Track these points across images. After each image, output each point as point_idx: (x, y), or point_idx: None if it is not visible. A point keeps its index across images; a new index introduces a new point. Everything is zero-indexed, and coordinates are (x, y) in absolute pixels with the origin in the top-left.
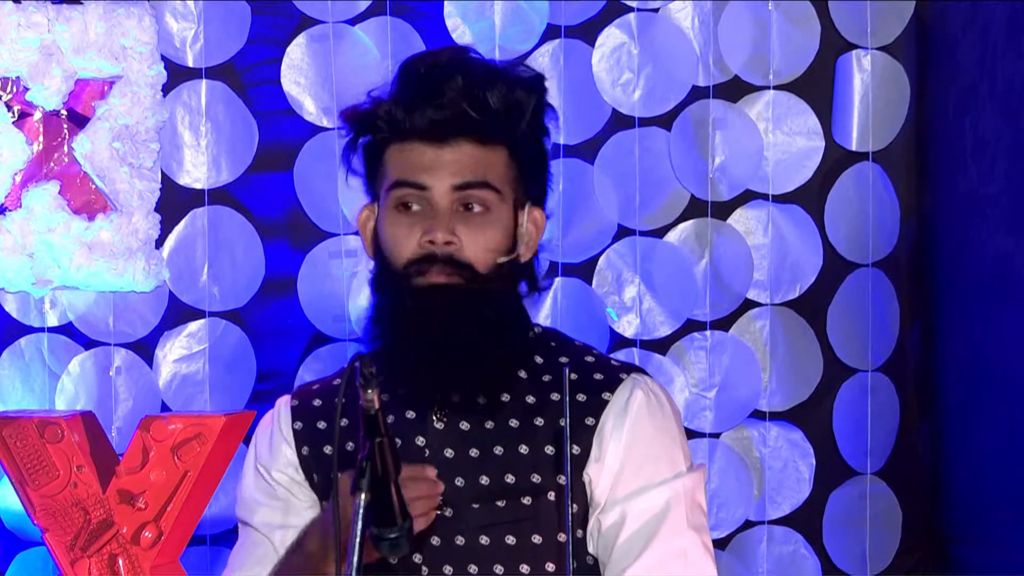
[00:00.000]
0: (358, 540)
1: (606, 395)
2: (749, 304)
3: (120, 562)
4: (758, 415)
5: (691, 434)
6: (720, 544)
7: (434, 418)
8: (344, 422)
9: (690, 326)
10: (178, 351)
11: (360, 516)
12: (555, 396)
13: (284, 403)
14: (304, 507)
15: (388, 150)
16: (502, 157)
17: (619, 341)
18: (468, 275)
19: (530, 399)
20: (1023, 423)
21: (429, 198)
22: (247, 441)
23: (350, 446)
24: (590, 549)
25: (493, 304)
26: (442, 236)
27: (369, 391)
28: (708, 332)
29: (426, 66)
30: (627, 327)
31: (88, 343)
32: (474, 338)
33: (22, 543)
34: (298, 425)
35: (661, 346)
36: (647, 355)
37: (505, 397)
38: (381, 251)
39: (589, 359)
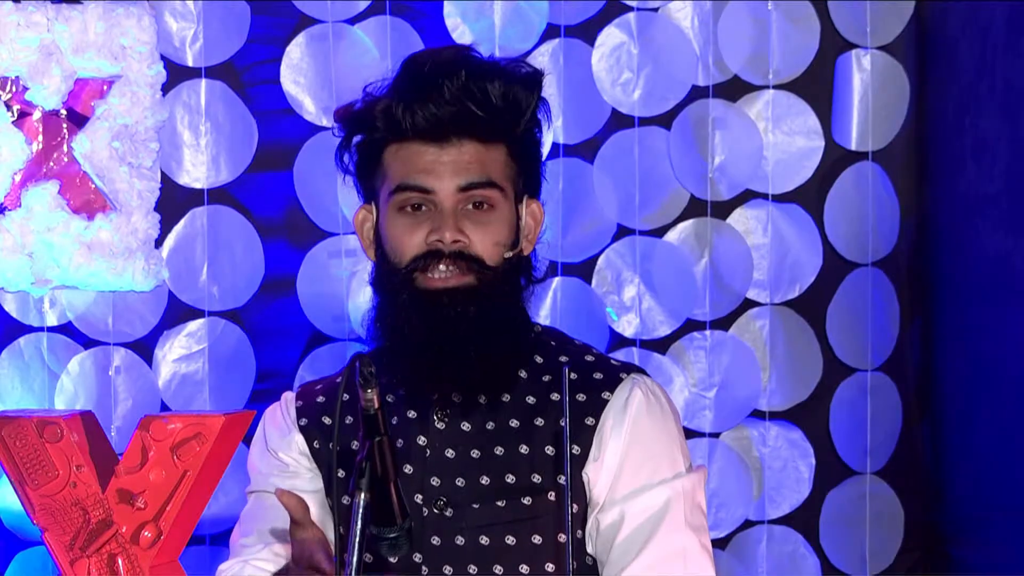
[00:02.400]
0: (358, 540)
1: (606, 395)
2: (749, 304)
3: (119, 562)
4: (758, 415)
5: (690, 434)
6: (720, 544)
7: (435, 418)
8: (349, 420)
9: (690, 326)
10: (177, 351)
11: (360, 516)
12: (555, 396)
13: (289, 399)
14: (314, 481)
15: (386, 150)
16: (502, 154)
17: (619, 341)
18: (477, 269)
19: (530, 399)
20: (1023, 423)
21: (434, 200)
22: (247, 441)
23: (355, 445)
24: (589, 549)
25: (500, 303)
26: (451, 235)
27: (369, 391)
28: (708, 332)
29: (428, 64)
30: (627, 327)
31: (87, 343)
32: (479, 339)
33: (21, 543)
34: (304, 422)
35: (661, 346)
36: (647, 355)
37: (506, 397)
38: (383, 251)
39: (589, 359)
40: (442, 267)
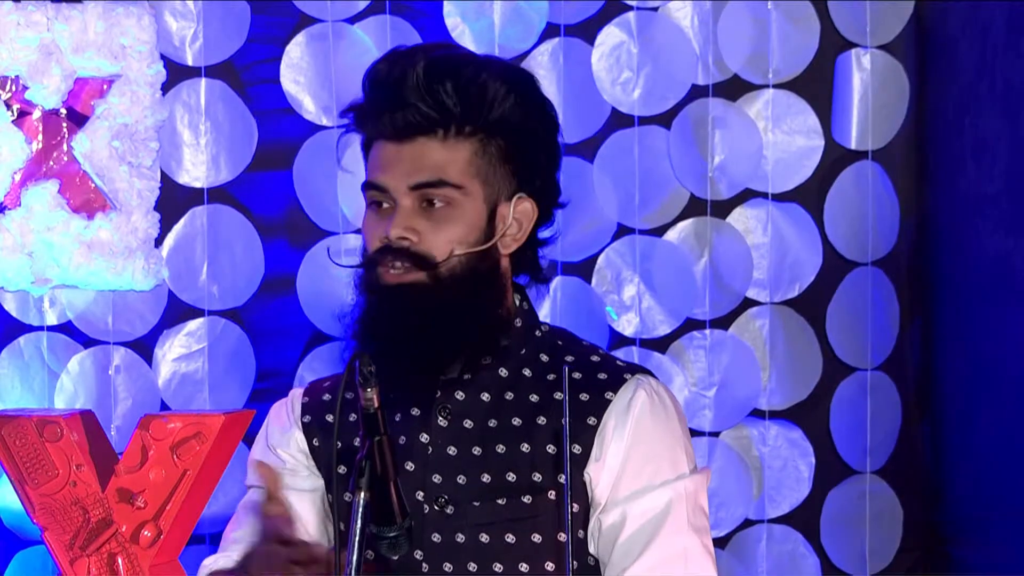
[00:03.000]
0: (357, 538)
1: (609, 395)
2: (748, 303)
3: (119, 561)
4: (757, 414)
5: (690, 433)
6: (719, 543)
7: (438, 415)
8: (352, 417)
9: (689, 325)
10: (177, 350)
11: (360, 515)
12: (558, 395)
13: (297, 395)
14: (310, 480)
15: (370, 147)
16: (467, 152)
17: (618, 340)
18: (425, 266)
19: (533, 397)
20: (1023, 423)
21: (392, 197)
22: (247, 440)
23: (357, 443)
24: (591, 549)
25: (453, 300)
26: (396, 233)
27: (368, 390)
28: (707, 331)
29: (385, 68)
30: (626, 326)
31: (87, 342)
32: (423, 333)
33: (21, 542)
34: (307, 419)
35: (660, 345)
36: (646, 354)
37: (509, 395)
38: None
39: (595, 359)
40: (397, 263)
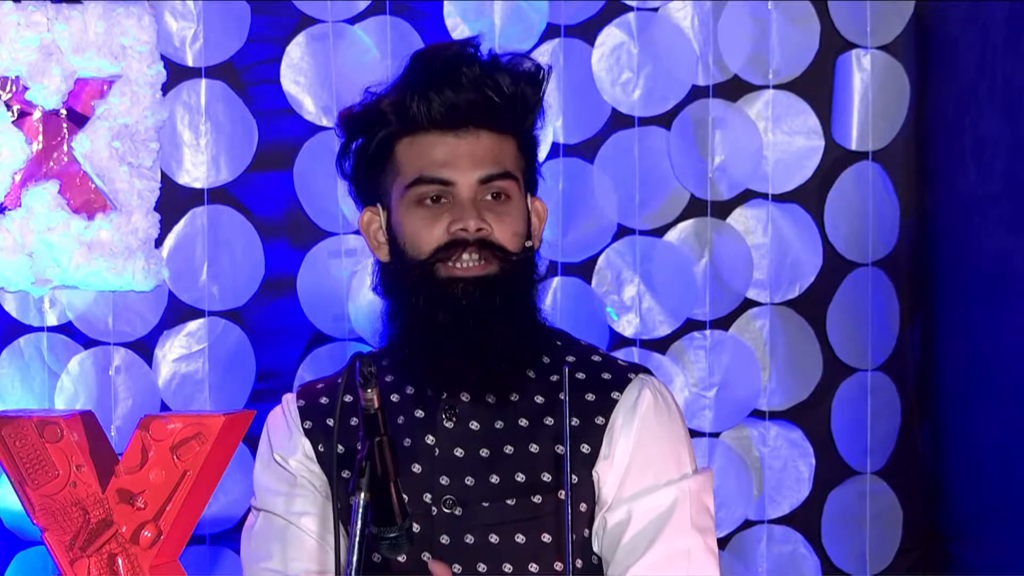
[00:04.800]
0: (358, 539)
1: (615, 394)
2: (749, 303)
3: (119, 562)
4: (758, 414)
5: (690, 433)
6: (720, 543)
7: (443, 417)
8: (353, 421)
9: (690, 325)
10: (177, 350)
11: (360, 515)
12: (563, 395)
13: (291, 400)
14: (317, 493)
15: (397, 146)
16: (513, 146)
17: (619, 340)
18: (501, 257)
19: (539, 399)
20: (1023, 423)
21: (454, 192)
22: (247, 441)
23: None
24: (595, 548)
25: (522, 294)
26: (475, 224)
27: (369, 391)
28: (708, 331)
29: (441, 53)
30: (627, 326)
31: (87, 342)
32: (504, 329)
33: (21, 543)
34: (308, 424)
35: (661, 345)
36: (647, 354)
37: (514, 397)
38: (398, 249)
39: (596, 359)
40: (466, 256)
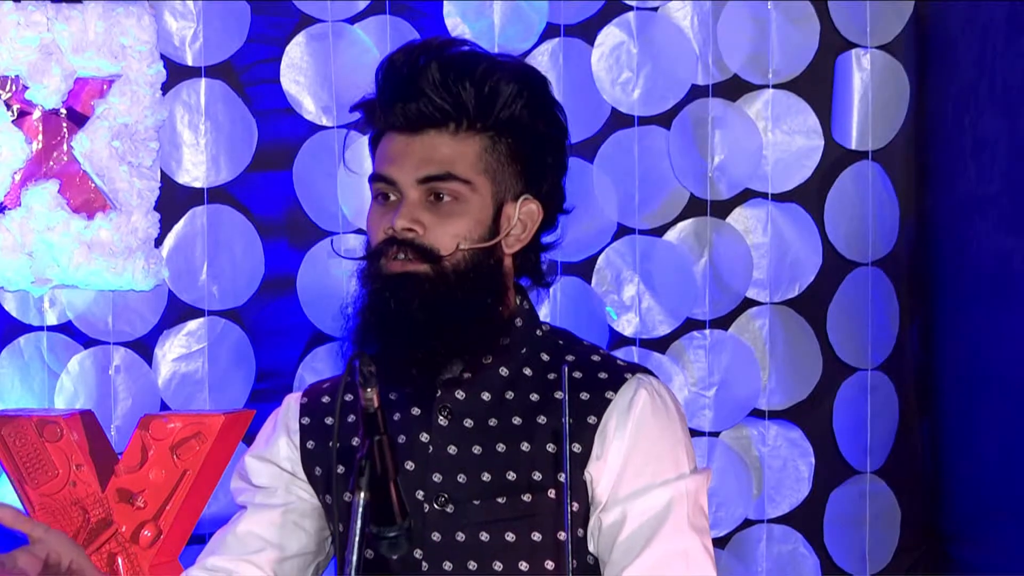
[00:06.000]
0: (357, 539)
1: (609, 394)
2: (748, 303)
3: (119, 561)
4: (757, 414)
5: (690, 433)
6: (719, 543)
7: (438, 415)
8: (351, 418)
9: (689, 325)
10: (177, 350)
11: (359, 515)
12: (559, 395)
13: (294, 399)
14: (284, 495)
15: (380, 142)
16: (477, 147)
17: (618, 340)
18: (430, 259)
19: (534, 396)
20: (1023, 423)
21: (400, 190)
22: (246, 440)
23: (355, 442)
24: (591, 548)
25: (453, 294)
26: (401, 224)
27: (368, 390)
28: (707, 331)
29: (401, 59)
30: (626, 326)
31: (87, 342)
32: (423, 325)
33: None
34: (306, 420)
35: (660, 345)
36: (646, 354)
37: (509, 395)
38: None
39: (595, 358)
40: (400, 255)
